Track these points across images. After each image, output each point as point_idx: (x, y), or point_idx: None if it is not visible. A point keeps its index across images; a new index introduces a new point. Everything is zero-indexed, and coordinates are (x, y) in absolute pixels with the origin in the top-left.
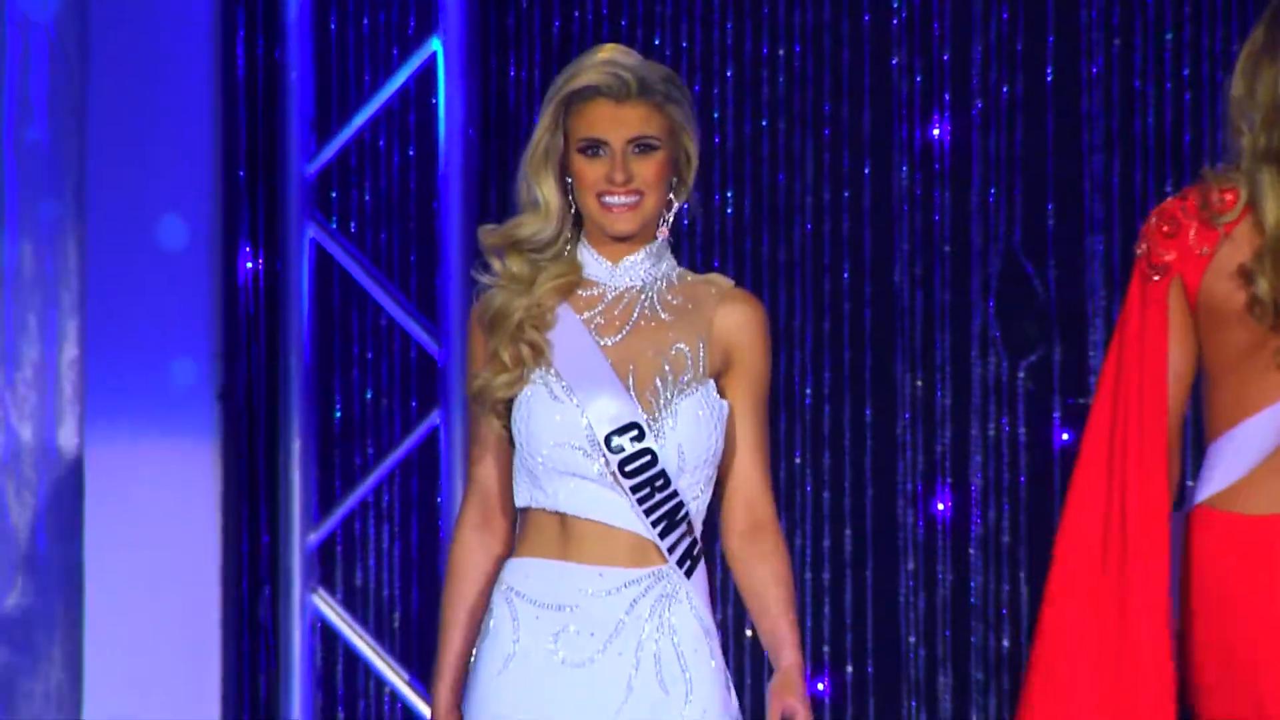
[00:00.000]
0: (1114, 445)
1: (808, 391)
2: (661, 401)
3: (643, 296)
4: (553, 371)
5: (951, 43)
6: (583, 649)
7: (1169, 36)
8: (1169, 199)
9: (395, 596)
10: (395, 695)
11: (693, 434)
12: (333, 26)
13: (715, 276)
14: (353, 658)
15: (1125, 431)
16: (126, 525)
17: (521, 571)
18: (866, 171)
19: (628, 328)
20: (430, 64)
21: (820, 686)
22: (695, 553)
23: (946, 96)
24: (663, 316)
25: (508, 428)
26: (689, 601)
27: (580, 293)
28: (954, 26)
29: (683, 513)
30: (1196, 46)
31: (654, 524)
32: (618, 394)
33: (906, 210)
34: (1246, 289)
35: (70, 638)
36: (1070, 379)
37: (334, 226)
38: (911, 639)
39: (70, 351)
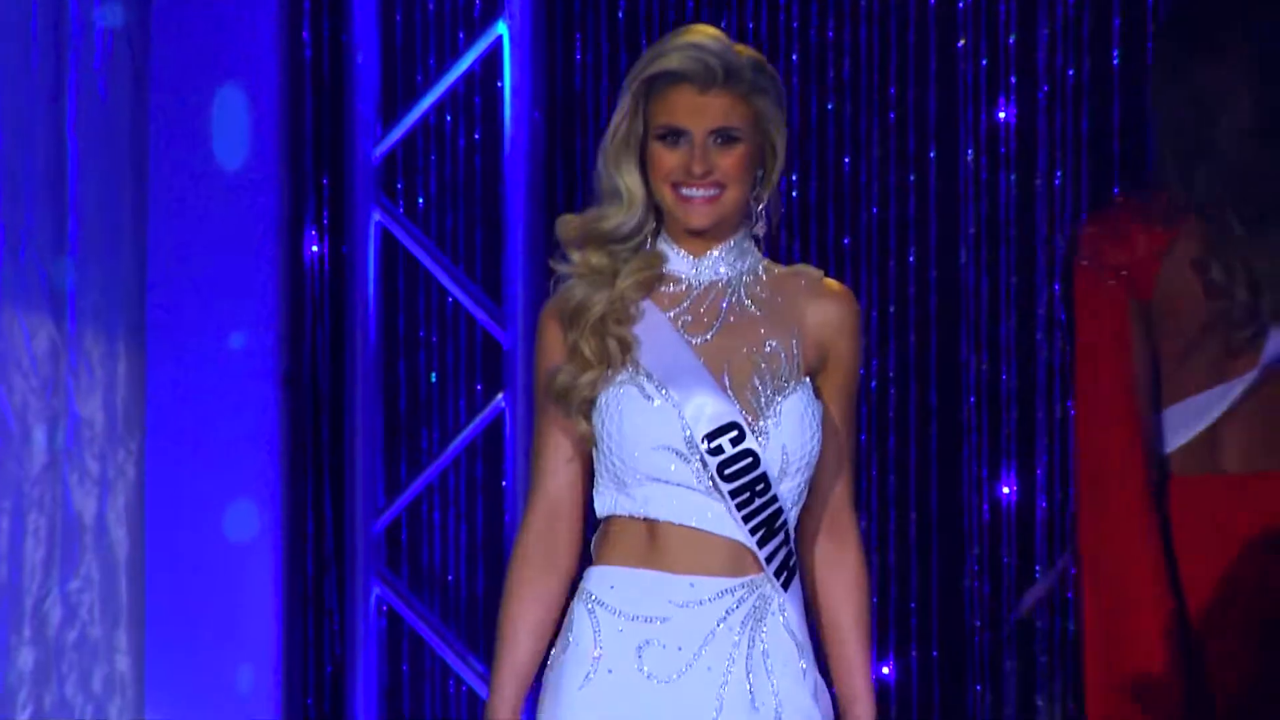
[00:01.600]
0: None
1: (873, 375)
2: (763, 401)
3: (729, 291)
4: (642, 370)
5: (1017, 25)
6: (669, 664)
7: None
8: (1106, 207)
9: (460, 580)
10: (460, 679)
11: (796, 435)
12: (398, 10)
13: (803, 267)
14: (417, 641)
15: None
16: (189, 508)
17: (605, 580)
18: (932, 155)
19: (717, 325)
20: (496, 47)
21: (885, 670)
22: (792, 564)
23: (1012, 79)
24: (753, 311)
25: (595, 436)
26: (782, 614)
27: (663, 288)
28: (1020, 9)
29: (781, 519)
30: None
31: (752, 531)
32: (715, 393)
33: (972, 193)
34: (1202, 277)
35: (134, 621)
36: None
37: (399, 210)
38: (977, 623)
39: (134, 333)
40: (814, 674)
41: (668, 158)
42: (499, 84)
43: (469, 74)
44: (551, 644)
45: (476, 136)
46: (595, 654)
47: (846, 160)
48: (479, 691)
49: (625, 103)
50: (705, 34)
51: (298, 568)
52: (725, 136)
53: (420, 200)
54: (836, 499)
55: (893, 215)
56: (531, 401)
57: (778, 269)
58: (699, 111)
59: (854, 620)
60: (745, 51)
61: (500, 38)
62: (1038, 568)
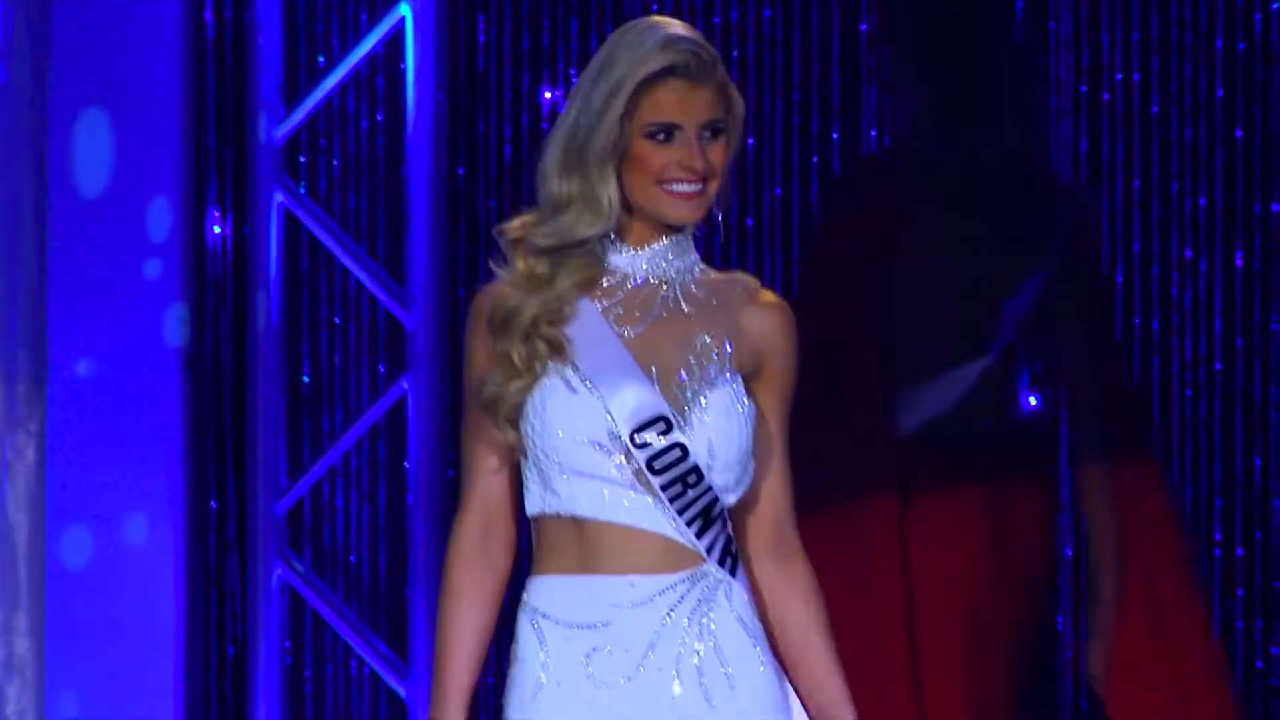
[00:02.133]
0: None
1: None
2: (689, 394)
3: (664, 288)
4: (569, 364)
5: None
6: (618, 667)
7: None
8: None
9: (363, 561)
10: (363, 661)
11: (724, 427)
12: None
13: (741, 275)
14: (320, 623)
15: None
16: (90, 490)
17: (544, 591)
18: (835, 136)
19: (649, 318)
20: (399, 28)
21: None
22: (733, 549)
23: None
24: (686, 310)
25: (522, 438)
26: (729, 602)
27: (599, 281)
28: None
29: (718, 508)
30: (1165, 11)
31: (689, 523)
32: (641, 386)
33: None
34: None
35: (34, 603)
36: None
37: (302, 191)
38: None
39: (32, 316)
40: (772, 664)
41: (659, 155)
42: (402, 65)
43: (372, 55)
44: (503, 659)
45: (379, 118)
46: (541, 666)
47: (750, 141)
48: (381, 673)
49: (613, 110)
50: (678, 24)
51: (199, 549)
52: (715, 129)
53: (323, 181)
54: (779, 513)
55: (796, 195)
56: (434, 383)
57: (714, 273)
58: (691, 105)
59: (817, 629)
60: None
61: (403, 19)
62: None
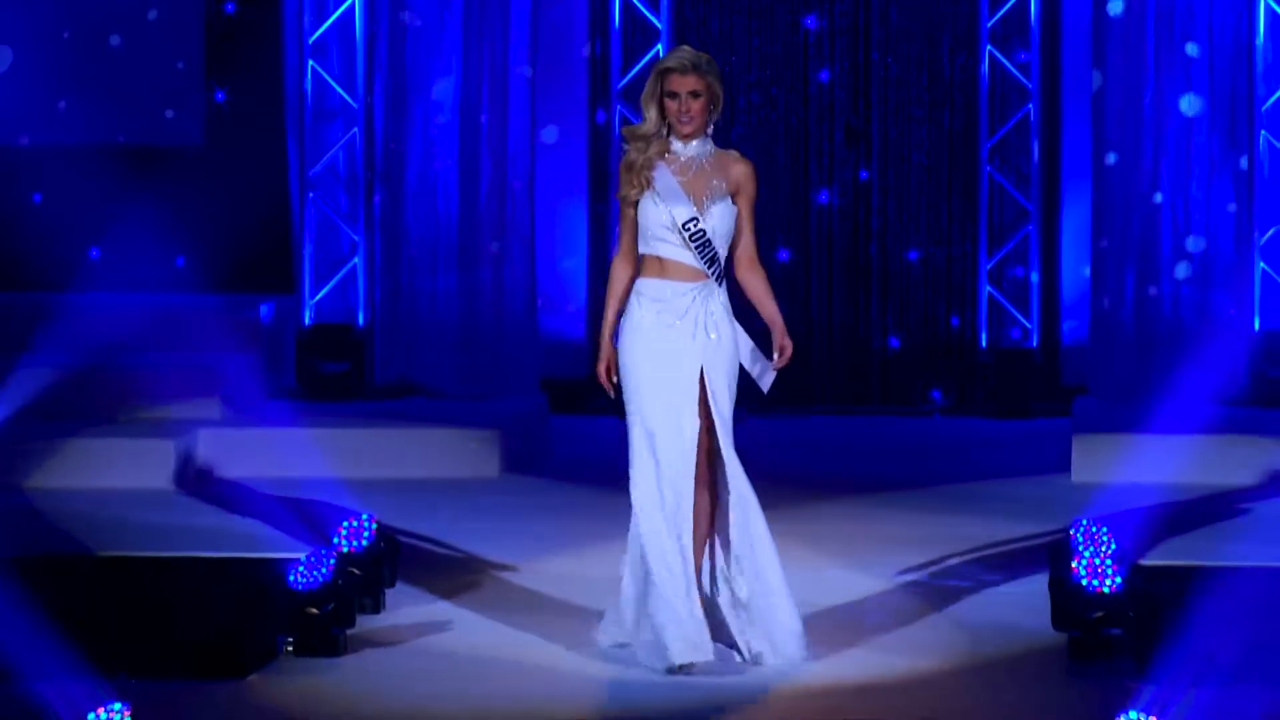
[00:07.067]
0: None
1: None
2: (707, 206)
3: (699, 159)
4: (656, 191)
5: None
6: (670, 319)
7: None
8: None
9: None
10: None
11: (722, 220)
12: None
13: (732, 151)
14: None
15: None
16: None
17: (644, 286)
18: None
19: (692, 172)
20: None
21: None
22: (720, 274)
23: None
24: (708, 168)
25: (635, 215)
26: (718, 297)
27: (669, 154)
28: None
29: (718, 256)
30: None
31: (706, 263)
32: (686, 203)
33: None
34: None
35: None
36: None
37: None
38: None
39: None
40: (731, 321)
41: (672, 105)
42: None
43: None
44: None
45: None
46: (639, 318)
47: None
48: None
49: (651, 82)
50: (685, 48)
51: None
52: (694, 94)
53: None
54: (749, 250)
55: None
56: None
57: (719, 151)
58: (683, 84)
59: (763, 289)
60: (703, 54)
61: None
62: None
